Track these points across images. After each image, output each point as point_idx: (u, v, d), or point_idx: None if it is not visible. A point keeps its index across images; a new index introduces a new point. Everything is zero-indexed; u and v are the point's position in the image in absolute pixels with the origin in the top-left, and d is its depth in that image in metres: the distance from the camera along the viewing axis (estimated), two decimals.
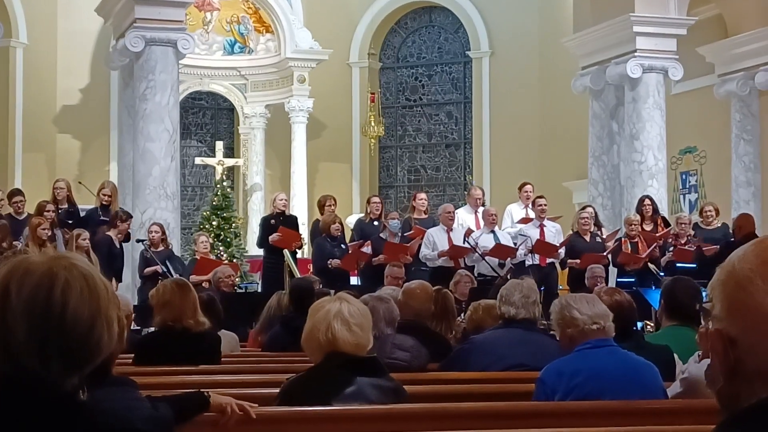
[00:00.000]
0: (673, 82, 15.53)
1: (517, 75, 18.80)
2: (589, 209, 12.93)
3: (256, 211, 18.59)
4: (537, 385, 4.10)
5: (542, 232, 12.33)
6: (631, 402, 3.93)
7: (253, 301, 10.45)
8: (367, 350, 3.61)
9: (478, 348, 5.22)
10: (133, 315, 5.14)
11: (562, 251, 12.15)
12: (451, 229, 12.07)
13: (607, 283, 10.82)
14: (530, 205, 13.13)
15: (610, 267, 12.20)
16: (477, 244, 11.77)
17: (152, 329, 5.76)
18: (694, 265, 11.74)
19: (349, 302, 3.60)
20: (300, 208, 17.24)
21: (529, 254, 12.10)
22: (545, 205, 12.60)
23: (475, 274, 11.35)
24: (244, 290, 13.44)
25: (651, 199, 13.09)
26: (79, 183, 14.68)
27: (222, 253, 16.31)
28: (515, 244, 12.19)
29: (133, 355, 5.34)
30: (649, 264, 12.05)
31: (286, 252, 12.87)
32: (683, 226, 12.67)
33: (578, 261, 11.87)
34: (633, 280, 11.72)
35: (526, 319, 5.20)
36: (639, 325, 8.46)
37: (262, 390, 4.15)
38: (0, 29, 14.61)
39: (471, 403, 3.92)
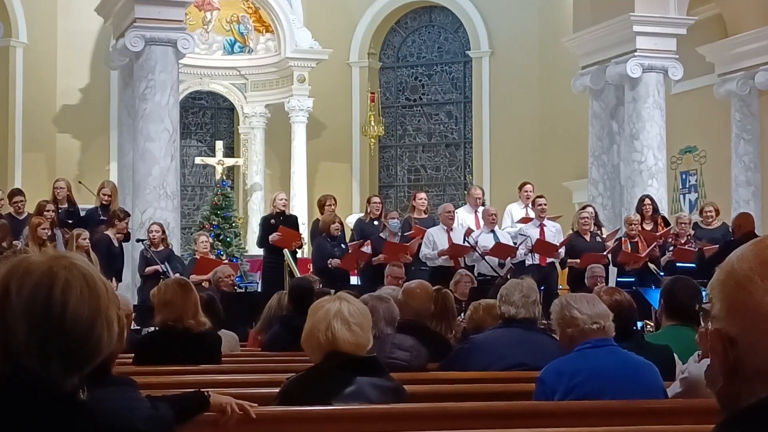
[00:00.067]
0: (673, 81, 15.53)
1: (517, 75, 18.79)
2: (589, 209, 12.93)
3: (256, 210, 18.59)
4: (537, 385, 4.11)
5: (542, 232, 12.32)
6: (631, 402, 3.93)
7: (253, 300, 10.46)
8: (367, 350, 3.61)
9: (478, 348, 5.22)
10: (133, 315, 5.13)
11: (562, 251, 12.14)
12: (451, 229, 12.07)
13: (607, 282, 10.82)
14: (530, 205, 13.12)
15: (610, 267, 12.19)
16: (477, 243, 11.77)
17: (152, 329, 5.76)
18: (694, 265, 11.74)
19: (348, 302, 3.60)
20: (300, 208, 17.24)
21: (529, 254, 12.09)
22: (545, 204, 12.59)
23: (475, 274, 11.34)
24: (244, 290, 13.43)
25: (651, 199, 13.09)
26: (79, 183, 14.70)
27: (222, 251, 16.30)
28: (515, 243, 12.18)
29: (133, 355, 5.34)
30: (649, 264, 12.04)
31: (286, 252, 12.88)
32: (683, 225, 12.67)
33: (578, 261, 11.87)
34: (633, 279, 11.71)
35: (526, 319, 5.20)
36: (639, 324, 8.45)
37: (262, 390, 4.15)
38: (0, 29, 14.61)
39: (471, 403, 3.93)
